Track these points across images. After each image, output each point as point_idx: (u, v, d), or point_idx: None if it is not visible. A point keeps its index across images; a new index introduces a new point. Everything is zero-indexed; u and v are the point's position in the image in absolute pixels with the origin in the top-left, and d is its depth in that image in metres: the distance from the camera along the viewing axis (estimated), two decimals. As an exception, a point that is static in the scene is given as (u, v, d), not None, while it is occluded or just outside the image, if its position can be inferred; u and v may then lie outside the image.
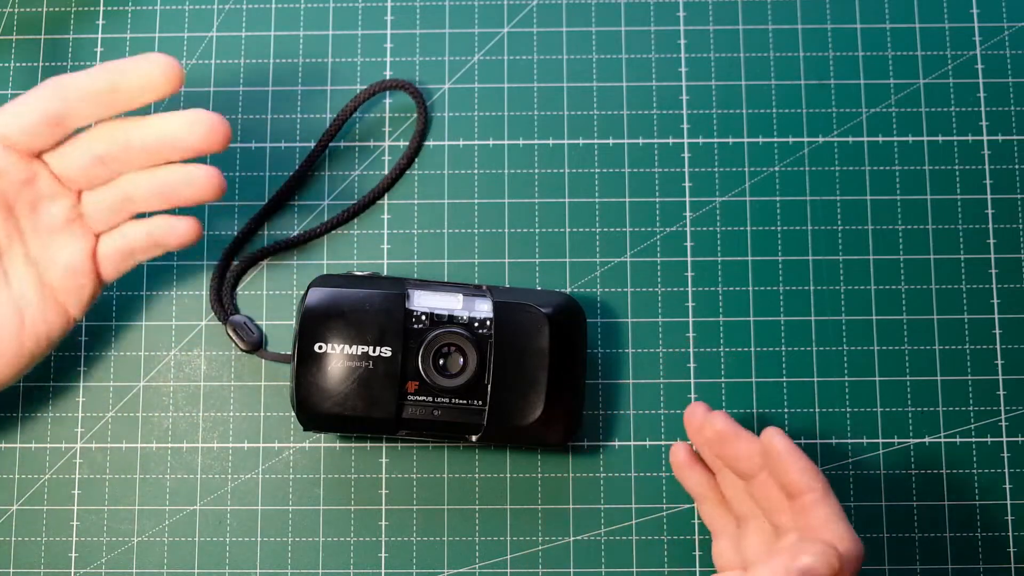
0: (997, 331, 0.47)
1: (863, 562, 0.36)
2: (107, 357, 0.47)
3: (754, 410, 0.46)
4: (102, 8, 0.50)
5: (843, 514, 0.36)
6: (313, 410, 0.41)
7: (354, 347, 0.41)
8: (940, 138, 0.48)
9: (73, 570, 0.45)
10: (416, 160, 0.48)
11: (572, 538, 0.45)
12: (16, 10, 0.50)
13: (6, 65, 0.49)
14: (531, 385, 0.42)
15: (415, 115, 0.48)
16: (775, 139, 0.48)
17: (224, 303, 0.46)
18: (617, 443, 0.46)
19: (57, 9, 0.50)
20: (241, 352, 0.46)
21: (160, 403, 0.46)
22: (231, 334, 0.45)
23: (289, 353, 0.45)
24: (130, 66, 0.38)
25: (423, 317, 0.42)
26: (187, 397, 0.46)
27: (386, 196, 0.48)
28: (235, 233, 0.47)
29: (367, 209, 0.48)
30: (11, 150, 0.39)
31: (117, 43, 0.49)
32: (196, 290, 0.47)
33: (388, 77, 0.48)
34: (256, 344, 0.46)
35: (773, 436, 0.37)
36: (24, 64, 0.49)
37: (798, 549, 0.33)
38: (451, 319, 0.42)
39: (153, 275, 0.47)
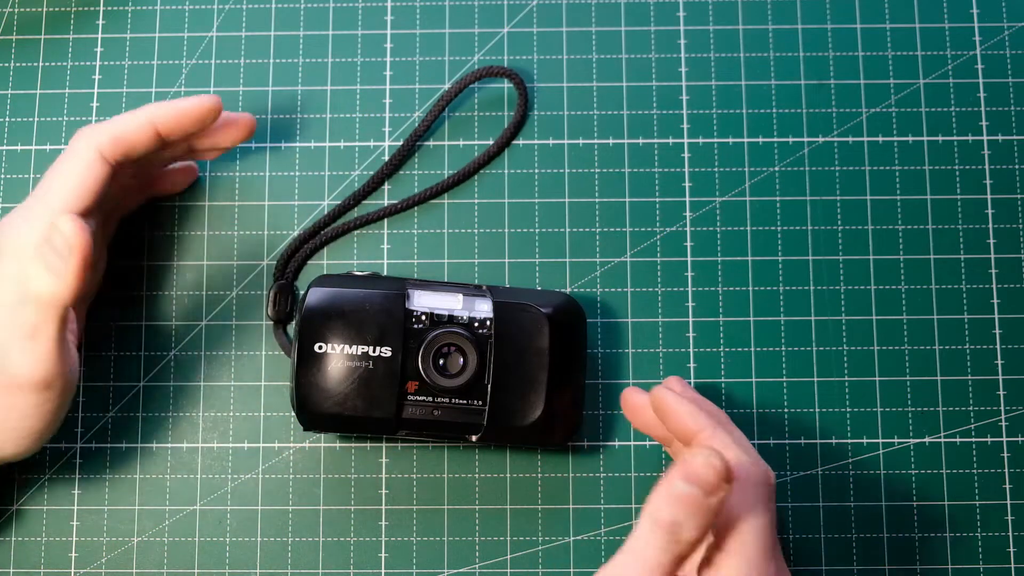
0: (997, 331, 0.47)
1: (774, 491, 0.36)
2: (107, 357, 0.47)
3: (754, 410, 0.46)
4: (102, 8, 0.50)
5: (740, 444, 0.37)
6: (313, 410, 0.41)
7: (354, 347, 0.41)
8: (940, 138, 0.48)
9: (73, 570, 0.45)
10: (505, 154, 0.48)
11: (572, 538, 0.45)
12: (16, 10, 0.50)
13: (6, 65, 0.49)
14: (531, 385, 0.42)
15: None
16: (775, 139, 0.48)
17: (287, 271, 0.46)
18: (617, 443, 0.46)
19: (57, 9, 0.50)
20: (252, 348, 0.46)
21: (160, 403, 0.46)
22: (269, 296, 0.46)
23: (290, 345, 0.45)
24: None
25: (423, 317, 0.42)
26: (187, 397, 0.46)
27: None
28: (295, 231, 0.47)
29: (428, 201, 0.48)
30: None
31: (117, 43, 0.49)
32: (196, 290, 0.47)
33: (492, 64, 0.48)
34: (282, 320, 0.46)
35: (658, 392, 0.39)
36: (24, 64, 0.49)
37: (683, 460, 0.33)
38: (451, 319, 0.42)
39: (153, 275, 0.47)
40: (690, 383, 0.46)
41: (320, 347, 0.41)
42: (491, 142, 0.48)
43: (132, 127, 0.41)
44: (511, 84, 0.48)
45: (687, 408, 0.38)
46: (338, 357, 0.41)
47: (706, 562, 0.35)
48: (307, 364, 0.41)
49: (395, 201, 0.48)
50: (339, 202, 0.47)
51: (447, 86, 0.49)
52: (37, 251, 0.37)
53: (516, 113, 0.48)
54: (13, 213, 0.40)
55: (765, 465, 0.36)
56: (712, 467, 0.32)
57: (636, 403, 0.42)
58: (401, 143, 0.48)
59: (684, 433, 0.38)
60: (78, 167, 0.40)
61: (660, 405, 0.40)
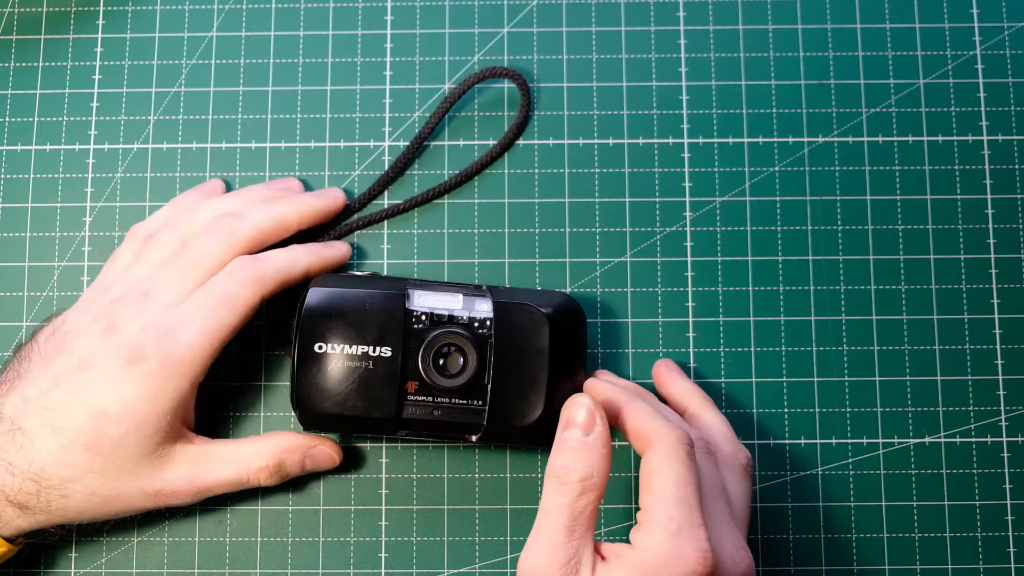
0: (997, 331, 0.47)
1: (692, 449, 0.38)
2: (107, 357, 0.47)
3: (754, 410, 0.46)
4: (102, 8, 0.50)
5: (654, 412, 0.39)
6: (313, 410, 0.41)
7: (354, 347, 0.41)
8: (940, 138, 0.48)
9: (73, 570, 0.45)
10: (505, 155, 0.48)
11: (572, 538, 0.45)
12: (16, 10, 0.50)
13: (6, 65, 0.49)
14: (531, 385, 0.42)
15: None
16: (775, 139, 0.48)
17: None
18: (617, 443, 0.46)
19: (57, 9, 0.50)
20: (245, 356, 0.46)
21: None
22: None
23: (290, 346, 0.45)
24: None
25: (423, 317, 0.42)
26: (187, 397, 0.46)
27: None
28: None
29: (429, 201, 0.48)
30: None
31: (117, 43, 0.49)
32: (196, 290, 0.47)
33: (494, 64, 0.48)
34: (281, 320, 0.46)
35: (590, 383, 0.42)
36: (24, 64, 0.49)
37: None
38: (451, 319, 0.42)
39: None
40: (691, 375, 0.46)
41: (320, 347, 0.41)
42: (492, 142, 0.48)
43: (294, 278, 0.43)
44: (512, 85, 0.48)
45: (611, 389, 0.41)
46: (338, 357, 0.41)
47: (636, 526, 0.36)
48: (307, 364, 0.41)
49: (397, 201, 0.48)
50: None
51: (449, 86, 0.49)
52: (303, 464, 0.43)
53: (519, 114, 0.48)
54: (154, 328, 0.40)
55: (675, 427, 0.37)
56: (579, 404, 0.38)
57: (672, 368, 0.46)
58: (404, 145, 0.48)
59: (612, 416, 0.40)
60: (247, 308, 0.41)
61: (594, 395, 0.42)
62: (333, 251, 0.45)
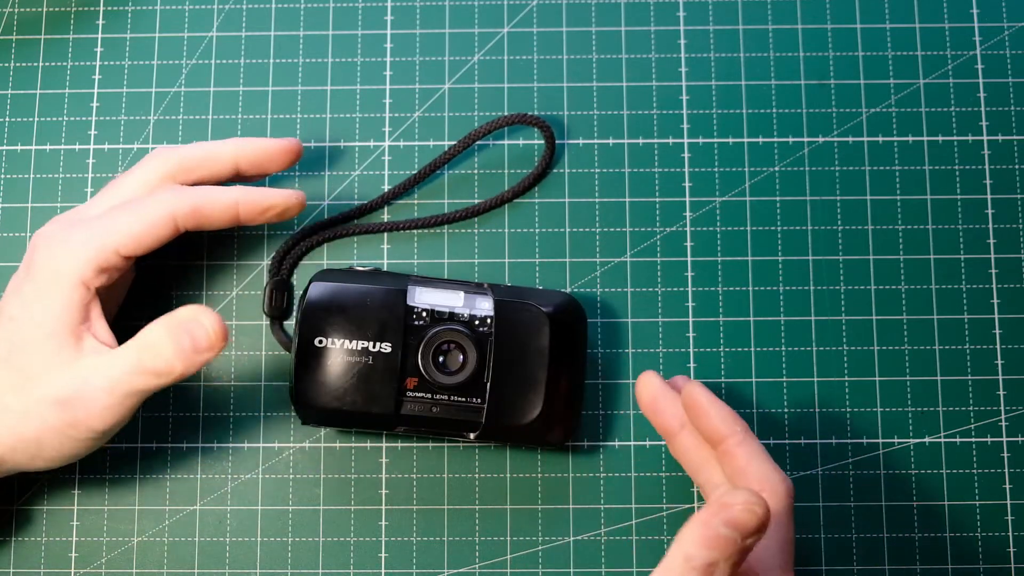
0: (997, 331, 0.47)
1: (795, 498, 0.36)
2: (107, 357, 0.47)
3: (754, 410, 0.46)
4: (102, 8, 0.50)
5: (766, 454, 0.37)
6: (312, 404, 0.41)
7: (354, 342, 0.41)
8: (940, 138, 0.48)
9: (73, 570, 0.45)
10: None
11: (572, 538, 0.45)
12: (16, 10, 0.50)
13: (6, 65, 0.49)
14: (530, 384, 0.42)
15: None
16: (775, 139, 0.48)
17: (283, 266, 0.46)
18: (617, 443, 0.46)
19: (57, 9, 0.50)
20: (247, 351, 0.46)
21: (160, 403, 0.46)
22: (266, 291, 0.46)
23: (289, 341, 0.45)
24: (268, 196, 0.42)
25: (424, 314, 0.42)
26: (187, 397, 0.46)
27: (386, 214, 0.48)
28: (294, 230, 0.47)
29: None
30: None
31: (117, 43, 0.49)
32: (196, 290, 0.47)
33: (525, 113, 0.47)
34: (279, 315, 0.46)
35: (693, 388, 0.39)
36: (24, 64, 0.49)
37: (723, 502, 0.32)
38: (452, 316, 0.42)
39: (152, 275, 0.47)
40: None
41: (320, 342, 0.41)
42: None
43: (217, 208, 0.41)
44: (540, 135, 0.48)
45: (722, 411, 0.38)
46: (338, 352, 0.41)
47: None
48: (307, 358, 0.41)
49: (398, 219, 0.48)
50: (339, 203, 0.47)
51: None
52: (169, 329, 0.38)
53: (539, 166, 0.47)
54: (62, 226, 0.40)
55: (786, 477, 0.36)
56: (755, 515, 0.32)
57: (654, 389, 0.42)
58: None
59: (713, 435, 0.38)
60: (149, 219, 0.40)
61: (692, 403, 0.39)
62: (272, 193, 0.42)
